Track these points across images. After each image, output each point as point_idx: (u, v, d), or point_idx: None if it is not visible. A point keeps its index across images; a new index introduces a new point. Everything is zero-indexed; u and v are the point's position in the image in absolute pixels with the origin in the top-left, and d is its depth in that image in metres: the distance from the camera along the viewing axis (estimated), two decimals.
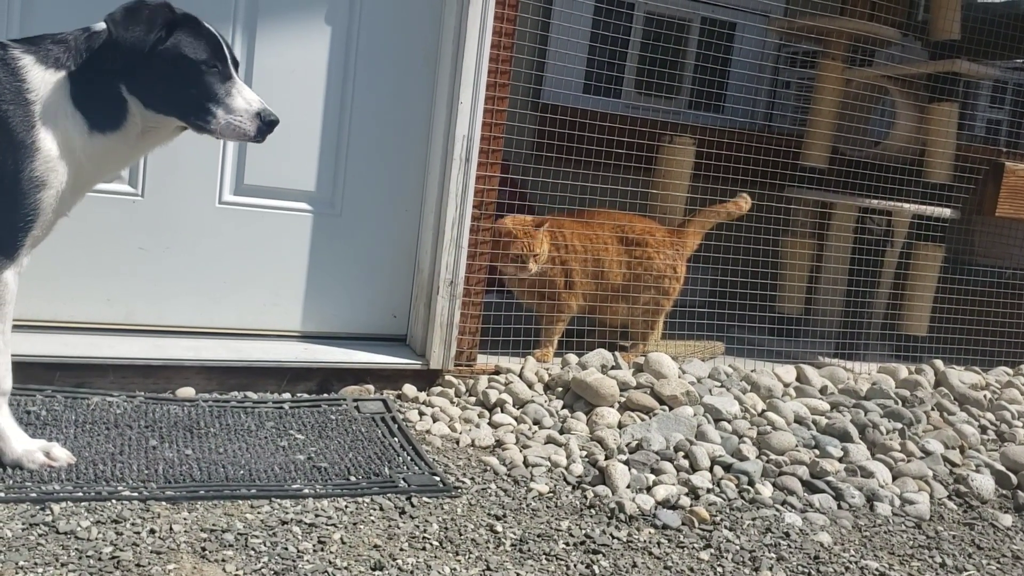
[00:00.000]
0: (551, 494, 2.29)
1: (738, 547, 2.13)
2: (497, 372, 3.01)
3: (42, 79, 1.89)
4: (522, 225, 3.17)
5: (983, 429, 3.15)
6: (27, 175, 1.87)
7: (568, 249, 3.32)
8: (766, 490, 2.46)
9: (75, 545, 1.74)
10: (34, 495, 1.90)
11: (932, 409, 3.19)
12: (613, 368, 3.04)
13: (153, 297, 2.81)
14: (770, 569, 2.06)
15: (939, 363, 3.64)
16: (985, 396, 3.42)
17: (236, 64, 2.05)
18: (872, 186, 3.98)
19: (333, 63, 2.89)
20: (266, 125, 2.03)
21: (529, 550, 1.98)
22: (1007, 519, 2.55)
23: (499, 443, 2.57)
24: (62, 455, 2.05)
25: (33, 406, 2.31)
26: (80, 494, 1.93)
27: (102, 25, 1.95)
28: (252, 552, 1.80)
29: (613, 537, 2.10)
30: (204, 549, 1.79)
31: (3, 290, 1.91)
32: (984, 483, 2.70)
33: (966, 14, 4.09)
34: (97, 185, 2.11)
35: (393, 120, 2.98)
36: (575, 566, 1.94)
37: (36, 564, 1.66)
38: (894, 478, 2.67)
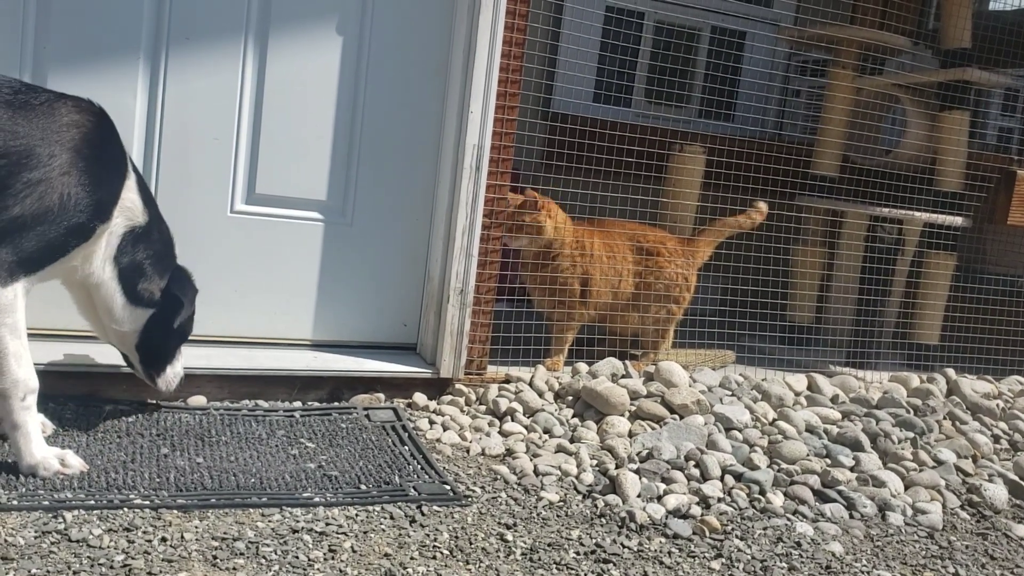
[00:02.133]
0: (561, 503, 2.29)
1: (749, 557, 2.13)
2: (507, 381, 3.02)
3: (130, 196, 2.18)
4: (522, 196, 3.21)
5: (996, 438, 3.13)
6: (88, 224, 2.04)
7: (592, 259, 3.32)
8: (777, 499, 2.45)
9: (87, 553, 1.75)
10: (47, 503, 1.91)
11: (944, 418, 3.18)
12: (624, 377, 3.04)
13: None
14: None
15: (951, 372, 3.62)
16: (998, 405, 3.40)
17: None
18: (883, 194, 3.97)
19: (344, 72, 2.90)
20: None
21: (539, 559, 1.98)
22: (1020, 529, 2.53)
23: (509, 452, 2.57)
24: (76, 463, 2.07)
25: (46, 415, 2.32)
26: (92, 502, 1.94)
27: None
28: (263, 560, 1.80)
29: (624, 546, 2.09)
30: (215, 557, 1.79)
31: (15, 299, 1.95)
32: (997, 493, 2.69)
33: (977, 22, 4.09)
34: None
35: (404, 129, 2.99)
36: (586, 575, 1.94)
37: (48, 572, 1.67)
38: (906, 487, 2.66)
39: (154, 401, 2.58)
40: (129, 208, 2.17)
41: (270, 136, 2.85)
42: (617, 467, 2.48)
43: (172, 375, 2.42)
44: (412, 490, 2.22)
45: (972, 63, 3.96)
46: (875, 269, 4.02)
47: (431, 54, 2.98)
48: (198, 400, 2.64)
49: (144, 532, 1.85)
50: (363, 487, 2.20)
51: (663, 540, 2.16)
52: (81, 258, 2.11)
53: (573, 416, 2.84)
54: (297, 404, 2.74)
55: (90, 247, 2.11)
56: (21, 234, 1.94)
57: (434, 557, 1.92)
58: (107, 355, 2.61)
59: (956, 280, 4.16)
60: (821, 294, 4.26)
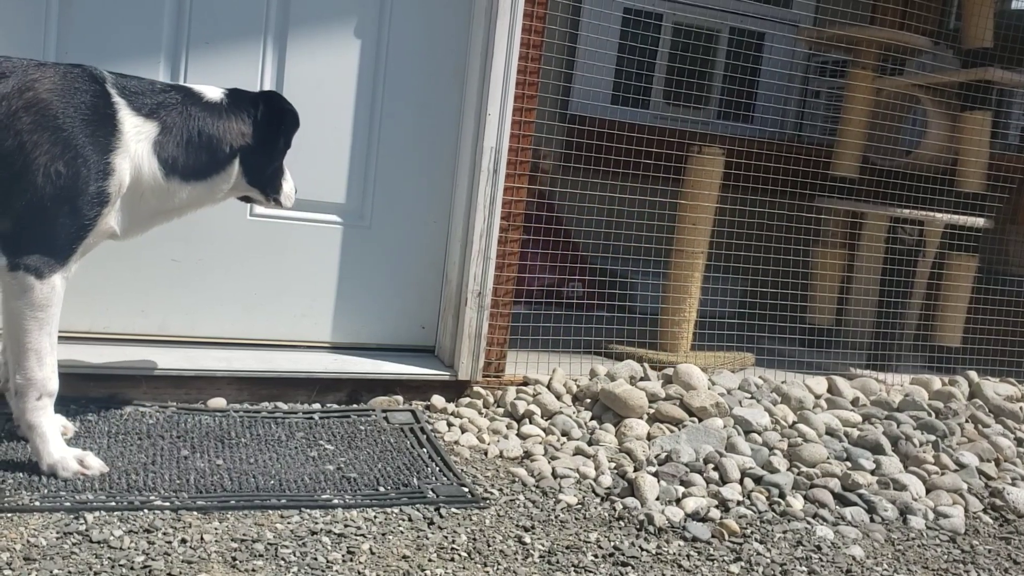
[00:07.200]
0: (580, 506, 2.29)
1: (768, 560, 2.12)
2: (525, 383, 3.01)
3: (131, 121, 2.07)
4: None
5: (1019, 442, 3.10)
6: (95, 190, 1.99)
7: None
8: (797, 503, 2.43)
9: (108, 554, 1.76)
10: (68, 504, 1.93)
11: (966, 421, 3.15)
12: (642, 379, 3.03)
13: (186, 309, 2.84)
14: None
15: (973, 374, 3.59)
16: (1021, 408, 3.37)
17: None
18: (904, 195, 3.94)
19: (362, 75, 2.91)
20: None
21: (558, 562, 1.97)
22: None
23: (527, 454, 2.57)
24: (95, 464, 2.08)
25: (67, 416, 2.34)
26: (113, 503, 1.95)
27: (213, 93, 2.22)
28: (282, 562, 1.81)
29: (642, 549, 2.09)
30: (235, 559, 1.80)
31: (51, 293, 1.98)
32: (1020, 496, 2.66)
33: (999, 22, 4.05)
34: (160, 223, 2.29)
35: (421, 132, 3.00)
36: None
37: (70, 573, 1.68)
38: (928, 491, 2.64)
39: (174, 404, 2.60)
40: (136, 134, 2.07)
41: None
42: (635, 470, 2.47)
43: (289, 190, 2.42)
44: (430, 492, 2.22)
45: (994, 63, 3.93)
46: (896, 271, 3.99)
47: (449, 57, 2.98)
48: (218, 402, 2.66)
49: (164, 534, 1.86)
50: (382, 489, 2.21)
51: (682, 543, 2.15)
52: (119, 213, 2.08)
53: (591, 419, 2.84)
54: (316, 406, 2.75)
55: (120, 199, 2.06)
56: (44, 226, 1.95)
57: (452, 559, 1.93)
58: (129, 358, 2.64)
59: (978, 281, 4.12)
60: (841, 296, 4.23)
